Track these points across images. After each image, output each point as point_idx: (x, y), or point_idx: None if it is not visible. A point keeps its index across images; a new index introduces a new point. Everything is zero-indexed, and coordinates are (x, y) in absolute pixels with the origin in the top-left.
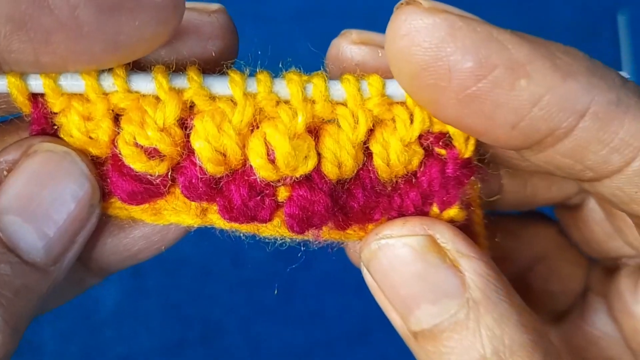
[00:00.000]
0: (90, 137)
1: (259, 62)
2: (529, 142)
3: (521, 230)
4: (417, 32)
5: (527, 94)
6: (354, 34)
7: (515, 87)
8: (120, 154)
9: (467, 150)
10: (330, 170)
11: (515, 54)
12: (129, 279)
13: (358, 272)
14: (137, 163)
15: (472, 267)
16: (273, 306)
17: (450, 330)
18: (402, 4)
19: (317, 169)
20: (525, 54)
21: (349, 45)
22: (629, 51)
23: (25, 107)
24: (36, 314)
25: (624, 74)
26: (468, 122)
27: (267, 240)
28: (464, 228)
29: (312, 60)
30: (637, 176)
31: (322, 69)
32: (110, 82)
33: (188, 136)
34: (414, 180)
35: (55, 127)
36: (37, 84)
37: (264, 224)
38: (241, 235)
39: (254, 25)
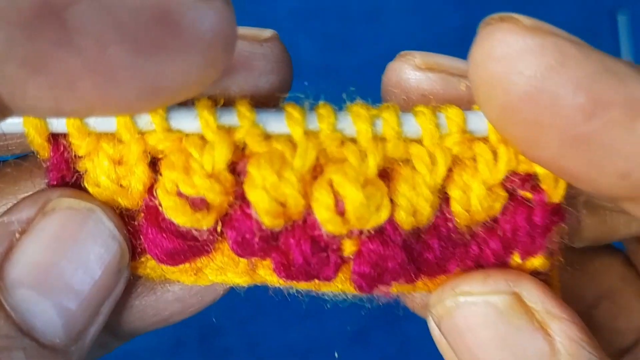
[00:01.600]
0: (121, 185)
1: (322, 95)
2: (636, 194)
3: (588, 264)
4: (518, 56)
5: None
6: (418, 57)
7: (634, 130)
8: (159, 205)
9: (557, 194)
10: (404, 220)
11: (635, 90)
12: None
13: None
14: (181, 216)
15: (562, 331)
16: (271, 306)
17: None
18: (493, 19)
19: (390, 218)
20: None
21: (413, 72)
22: (629, 51)
23: (43, 151)
24: None
25: None
26: (570, 167)
27: (326, 298)
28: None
29: (312, 59)
30: None
31: (325, 70)
32: (146, 120)
33: (239, 183)
34: (495, 227)
35: (77, 173)
36: (59, 122)
37: (326, 282)
38: (295, 291)
39: (254, 25)
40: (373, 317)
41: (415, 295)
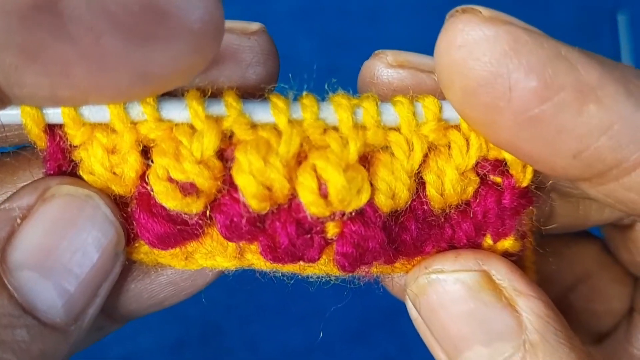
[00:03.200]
0: (115, 173)
1: (305, 85)
2: (589, 174)
3: (564, 249)
4: (475, 43)
5: (596, 121)
6: (390, 55)
7: (583, 112)
8: (151, 191)
9: (525, 178)
10: (384, 202)
11: (585, 75)
12: None
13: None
14: (171, 200)
15: (529, 307)
16: (272, 306)
17: None
18: (457, 11)
19: (370, 201)
20: (596, 77)
21: (385, 69)
22: (629, 51)
23: (40, 141)
24: None
25: None
26: (525, 148)
27: (310, 280)
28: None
29: (312, 59)
30: None
31: (325, 70)
32: (138, 111)
33: (228, 169)
34: (467, 210)
35: (73, 162)
36: (55, 113)
37: (311, 264)
38: (280, 274)
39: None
40: (373, 317)
41: (395, 278)
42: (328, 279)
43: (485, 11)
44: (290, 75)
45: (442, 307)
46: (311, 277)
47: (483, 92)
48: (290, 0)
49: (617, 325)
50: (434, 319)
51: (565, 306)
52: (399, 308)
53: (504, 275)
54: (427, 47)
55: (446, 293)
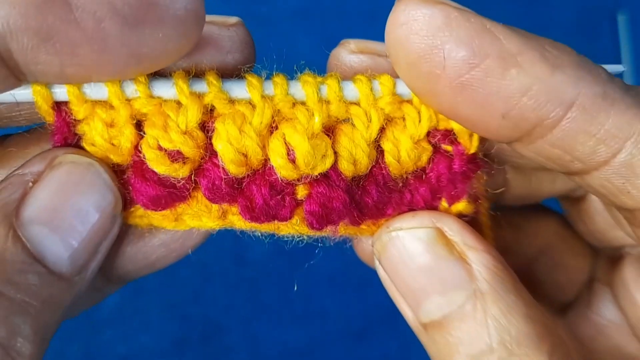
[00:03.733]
0: (113, 144)
1: (275, 66)
2: (518, 133)
3: (524, 223)
4: (414, 21)
5: (517, 83)
6: (352, 43)
7: (506, 76)
8: (144, 158)
9: (472, 146)
10: (346, 167)
11: (507, 44)
12: None
13: (358, 272)
14: (161, 166)
15: (479, 260)
16: (273, 306)
17: (458, 321)
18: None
19: (334, 167)
20: (516, 45)
21: (348, 55)
22: (629, 51)
23: (49, 116)
24: (60, 323)
25: (618, 66)
26: (462, 112)
27: (284, 239)
28: (471, 221)
29: (312, 59)
30: (623, 167)
31: (325, 68)
32: (132, 89)
33: (209, 139)
34: (423, 176)
35: (77, 136)
36: (61, 91)
37: (284, 223)
38: (252, 235)
39: (254, 25)
40: (373, 317)
41: (366, 245)
42: (301, 239)
43: None
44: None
45: (402, 261)
46: (286, 236)
47: (422, 63)
48: (290, 0)
49: (579, 295)
50: (396, 274)
51: (528, 277)
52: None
53: (455, 231)
54: None
55: (405, 249)
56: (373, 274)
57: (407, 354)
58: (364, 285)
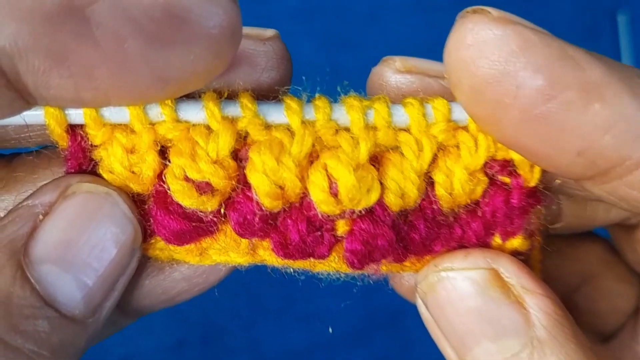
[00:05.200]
0: (133, 172)
1: (318, 88)
2: (593, 171)
3: (568, 249)
4: (484, 42)
5: (600, 120)
6: (398, 61)
7: (588, 111)
8: (168, 189)
9: (532, 178)
10: (393, 201)
11: (591, 74)
12: None
13: (359, 275)
14: (187, 199)
15: (537, 304)
16: (273, 307)
17: None
18: (467, 11)
19: (380, 200)
20: (601, 76)
21: (393, 74)
22: (629, 51)
23: (62, 141)
24: None
25: None
26: (529, 145)
27: (320, 277)
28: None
29: (313, 59)
30: None
31: (325, 70)
32: (157, 112)
33: (242, 169)
34: (476, 210)
35: (93, 162)
36: (77, 114)
37: (321, 260)
38: (291, 271)
39: (254, 24)
40: (373, 317)
41: (404, 278)
42: (338, 276)
43: (494, 12)
44: (303, 78)
45: (450, 303)
46: (321, 274)
47: (490, 90)
48: (291, 0)
49: (623, 325)
50: (442, 316)
51: (570, 306)
52: (400, 309)
53: (512, 273)
54: (427, 46)
55: (455, 290)
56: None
57: (408, 356)
58: (365, 287)
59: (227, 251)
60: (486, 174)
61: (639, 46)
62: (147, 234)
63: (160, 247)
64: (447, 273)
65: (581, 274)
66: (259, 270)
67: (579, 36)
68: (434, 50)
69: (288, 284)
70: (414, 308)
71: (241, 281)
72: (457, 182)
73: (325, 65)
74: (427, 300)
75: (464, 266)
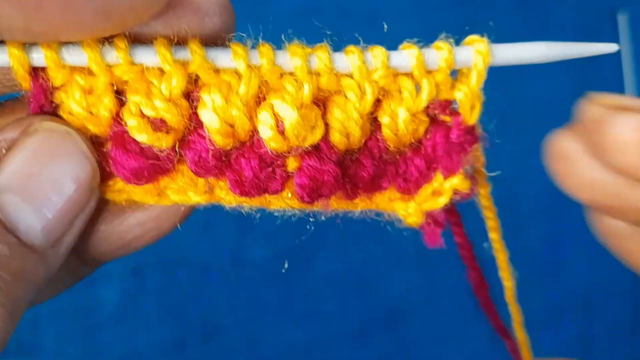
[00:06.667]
0: (91, 113)
1: (261, 35)
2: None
3: None
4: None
5: None
6: (607, 99)
7: None
8: (125, 125)
9: (471, 117)
10: (338, 140)
11: None
12: (129, 279)
13: (358, 273)
14: (143, 134)
15: None
16: (273, 306)
17: None
18: (604, 104)
19: (326, 139)
20: None
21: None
22: (629, 51)
23: (25, 82)
24: (32, 301)
25: (612, 45)
26: None
27: (275, 214)
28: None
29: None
30: None
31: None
32: (112, 55)
33: (194, 109)
34: (420, 147)
35: (55, 104)
36: (38, 57)
37: (275, 196)
38: (246, 211)
39: (254, 25)
40: (373, 317)
41: (604, 221)
42: (292, 213)
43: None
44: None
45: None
46: (275, 211)
47: None
48: (291, 0)
49: None
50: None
51: None
52: (399, 308)
53: None
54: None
55: None
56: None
57: (406, 355)
58: (364, 286)
59: (185, 190)
60: (428, 115)
61: (639, 46)
62: (105, 176)
63: (118, 189)
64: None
65: None
66: (257, 270)
67: (579, 36)
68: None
69: (286, 283)
70: (413, 308)
71: (240, 280)
72: (401, 123)
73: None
74: None
75: None
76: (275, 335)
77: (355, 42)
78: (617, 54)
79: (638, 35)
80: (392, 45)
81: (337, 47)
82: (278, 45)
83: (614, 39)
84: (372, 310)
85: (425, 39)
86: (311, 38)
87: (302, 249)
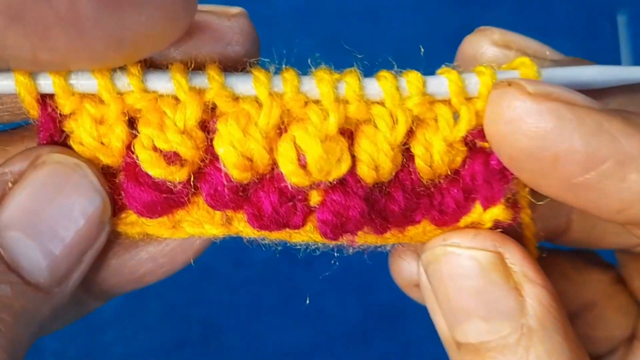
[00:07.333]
0: (102, 143)
1: (284, 60)
2: (632, 222)
3: (575, 273)
4: (521, 120)
5: (637, 187)
6: (497, 33)
7: (625, 180)
8: (137, 159)
9: None
10: (366, 173)
11: (627, 146)
12: None
13: (358, 273)
14: (156, 168)
15: (535, 294)
16: (273, 306)
17: (496, 351)
18: (502, 82)
19: (352, 172)
20: (637, 147)
21: (490, 47)
22: (629, 51)
23: (33, 109)
24: (37, 336)
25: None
26: (572, 202)
27: (298, 247)
28: (512, 232)
29: (312, 59)
30: None
31: (325, 66)
32: (124, 82)
33: (210, 140)
34: (457, 178)
35: (64, 133)
36: (46, 83)
37: (296, 231)
38: (269, 242)
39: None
40: (373, 317)
41: (404, 269)
42: (316, 247)
43: (529, 85)
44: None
45: (451, 278)
46: (299, 245)
47: (529, 162)
48: (291, 0)
49: (614, 348)
50: (441, 288)
51: None
52: (400, 308)
53: (516, 260)
54: (426, 47)
55: (459, 266)
56: (373, 275)
57: (407, 355)
58: (365, 286)
59: (202, 223)
60: (465, 144)
61: (639, 46)
62: (117, 208)
63: (132, 222)
64: (454, 249)
65: (584, 301)
66: (258, 270)
67: (579, 36)
68: (433, 50)
69: (287, 284)
70: (414, 308)
71: (240, 281)
72: (437, 154)
73: (328, 65)
74: (429, 269)
75: (471, 245)
76: (275, 335)
77: (356, 42)
78: (617, 55)
79: (638, 35)
80: (392, 45)
81: (337, 46)
82: (302, 69)
83: (614, 40)
84: (373, 311)
85: (426, 39)
86: (311, 38)
87: (302, 249)
